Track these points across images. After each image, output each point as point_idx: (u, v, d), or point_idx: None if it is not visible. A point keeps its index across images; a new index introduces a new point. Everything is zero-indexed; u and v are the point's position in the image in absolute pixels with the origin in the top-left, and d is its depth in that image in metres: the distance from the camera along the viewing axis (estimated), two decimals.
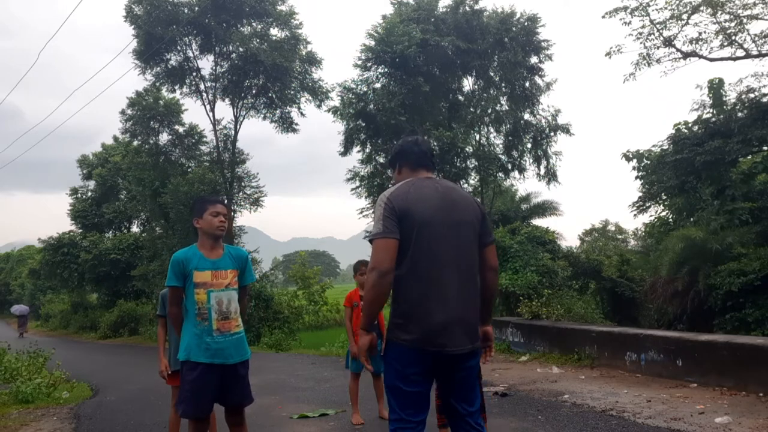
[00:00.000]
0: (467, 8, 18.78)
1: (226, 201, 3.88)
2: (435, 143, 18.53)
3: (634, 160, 19.12)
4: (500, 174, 20.11)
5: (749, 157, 15.49)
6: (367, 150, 19.62)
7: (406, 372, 2.65)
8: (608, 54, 15.66)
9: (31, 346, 11.56)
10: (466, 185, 20.11)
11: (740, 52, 14.81)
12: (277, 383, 8.58)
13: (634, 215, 21.00)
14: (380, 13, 19.93)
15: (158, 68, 19.89)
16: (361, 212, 19.33)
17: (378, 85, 18.81)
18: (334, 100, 19.73)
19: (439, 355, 2.64)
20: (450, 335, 2.63)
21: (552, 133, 19.52)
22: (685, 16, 14.62)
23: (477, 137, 19.71)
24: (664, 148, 16.25)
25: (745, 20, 14.36)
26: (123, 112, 21.11)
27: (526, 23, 18.67)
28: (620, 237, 33.65)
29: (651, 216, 21.18)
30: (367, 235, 2.84)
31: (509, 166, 19.91)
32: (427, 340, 2.62)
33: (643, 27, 15.17)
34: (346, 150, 19.39)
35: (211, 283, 3.59)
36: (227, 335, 3.59)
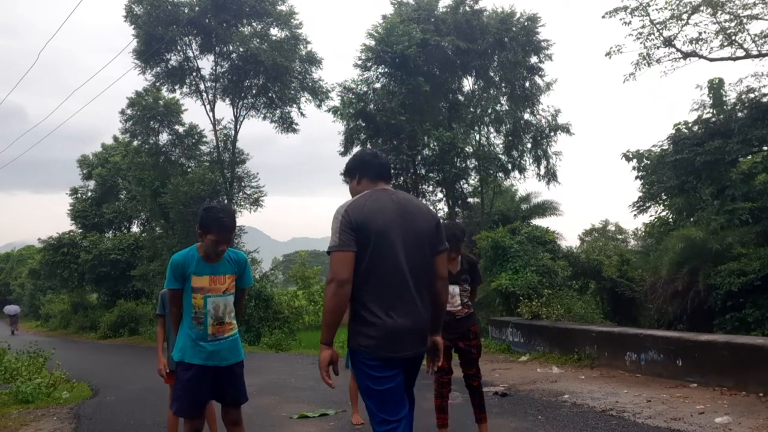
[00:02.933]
0: (467, 8, 18.79)
1: (233, 222, 3.77)
2: (435, 143, 18.55)
3: (634, 160, 19.14)
4: (500, 174, 20.11)
5: (749, 157, 15.48)
6: None
7: (372, 373, 2.72)
8: (608, 54, 15.65)
9: (31, 346, 11.54)
10: (466, 185, 20.14)
11: (740, 52, 14.80)
12: (277, 383, 8.58)
13: (634, 215, 21.01)
14: (380, 13, 19.97)
15: (158, 68, 19.89)
16: None
17: (378, 85, 18.82)
18: (334, 100, 19.76)
19: (395, 358, 2.74)
20: (404, 341, 2.75)
21: (552, 133, 19.54)
22: (685, 16, 14.61)
23: (477, 137, 19.73)
24: (664, 148, 16.25)
25: (745, 20, 14.36)
26: (123, 112, 21.13)
27: (526, 23, 18.69)
28: (620, 237, 33.60)
29: (651, 216, 21.18)
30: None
31: (509, 166, 19.93)
32: (383, 345, 2.71)
33: (643, 27, 15.16)
34: (346, 150, 19.40)
35: (209, 288, 3.58)
36: (222, 339, 3.60)
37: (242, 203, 20.63)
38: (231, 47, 19.52)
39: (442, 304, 3.02)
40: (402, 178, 19.66)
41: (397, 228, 2.81)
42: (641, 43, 15.34)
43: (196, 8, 18.96)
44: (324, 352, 2.76)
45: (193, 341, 3.54)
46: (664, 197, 19.17)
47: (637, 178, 19.19)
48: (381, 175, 3.01)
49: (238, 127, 20.59)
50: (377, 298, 2.74)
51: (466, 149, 18.94)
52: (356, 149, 19.39)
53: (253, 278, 4.28)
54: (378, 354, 2.71)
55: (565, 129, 19.55)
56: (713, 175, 15.13)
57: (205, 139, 22.18)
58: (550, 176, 19.62)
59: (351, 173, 3.08)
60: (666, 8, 14.70)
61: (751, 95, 14.52)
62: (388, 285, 2.76)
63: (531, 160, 19.76)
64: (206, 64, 31.12)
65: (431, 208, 3.14)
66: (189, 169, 21.52)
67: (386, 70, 18.39)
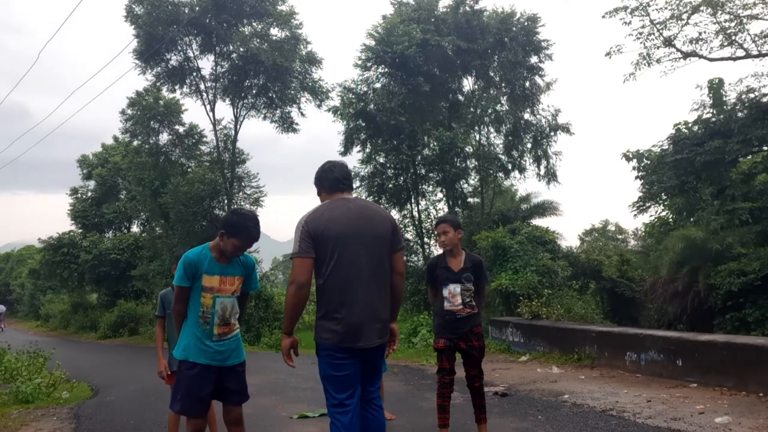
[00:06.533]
0: (467, 8, 18.77)
1: (259, 233, 3.83)
2: (435, 143, 18.54)
3: (634, 160, 19.14)
4: (500, 174, 20.10)
5: (749, 157, 15.47)
6: (368, 150, 19.62)
7: (334, 362, 3.14)
8: (608, 54, 15.64)
9: (31, 346, 11.55)
10: (465, 185, 20.13)
11: (740, 52, 14.80)
12: (277, 383, 8.58)
13: (634, 215, 21.03)
14: (380, 13, 19.97)
15: (158, 68, 19.89)
16: None
17: (378, 85, 18.82)
18: (334, 100, 19.76)
19: (353, 349, 3.14)
20: (362, 333, 3.14)
21: (552, 133, 19.52)
22: (685, 16, 14.60)
23: (477, 137, 19.72)
24: (664, 148, 16.24)
25: (745, 20, 14.34)
26: (123, 112, 21.14)
27: (526, 23, 18.67)
28: (620, 237, 33.58)
29: (651, 216, 21.19)
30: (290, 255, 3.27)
31: (509, 166, 19.91)
32: (343, 338, 3.11)
33: (643, 27, 15.16)
34: (346, 150, 19.39)
35: (219, 289, 3.60)
36: (226, 340, 3.62)
37: (242, 203, 20.65)
38: (231, 47, 19.52)
39: (399, 295, 3.42)
40: (402, 178, 19.66)
41: (354, 232, 3.17)
42: (641, 43, 15.34)
43: (197, 8, 18.95)
44: (286, 341, 3.24)
45: (198, 340, 3.56)
46: (664, 197, 19.17)
47: (637, 178, 19.20)
48: (336, 187, 3.38)
49: (238, 127, 20.61)
50: (339, 296, 3.12)
51: (466, 149, 18.93)
52: (356, 149, 19.54)
53: (259, 284, 4.30)
54: (341, 345, 3.11)
55: (565, 129, 19.54)
56: (713, 175, 15.12)
57: (205, 139, 22.20)
58: (550, 176, 19.60)
59: (316, 187, 3.51)
60: (666, 8, 14.70)
61: (751, 95, 14.50)
62: (348, 283, 3.13)
63: (531, 160, 19.74)
64: (206, 64, 31.15)
65: (388, 212, 3.65)
66: (189, 169, 21.52)
67: (386, 70, 18.38)
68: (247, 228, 3.54)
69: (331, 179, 3.39)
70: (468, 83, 20.07)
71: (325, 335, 3.14)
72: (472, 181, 20.15)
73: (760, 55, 14.50)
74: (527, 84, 19.31)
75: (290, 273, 3.18)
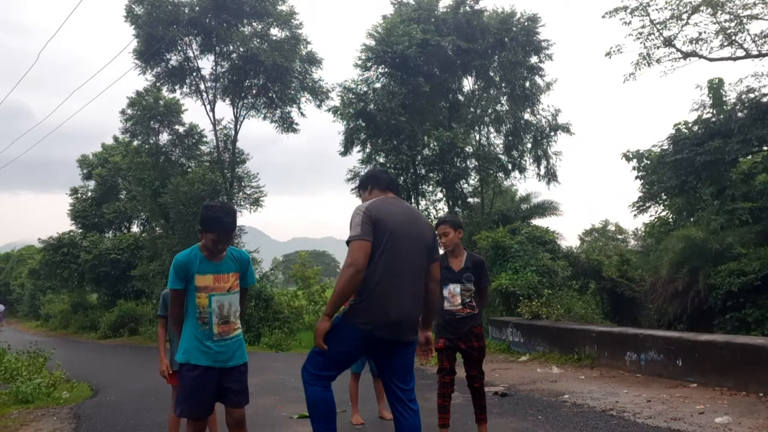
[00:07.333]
0: (467, 8, 18.80)
1: (234, 222, 3.71)
2: (435, 143, 18.55)
3: (634, 160, 19.14)
4: (500, 174, 20.12)
5: (749, 157, 15.48)
6: (368, 150, 19.62)
7: (348, 343, 3.19)
8: (608, 54, 15.65)
9: (31, 346, 11.54)
10: (466, 185, 20.15)
11: (740, 52, 14.80)
12: (277, 383, 8.58)
13: (634, 215, 21.04)
14: (380, 13, 19.99)
15: (158, 68, 19.91)
16: None
17: (378, 85, 18.83)
18: (334, 100, 19.77)
19: (384, 340, 3.21)
20: (398, 327, 3.21)
21: (552, 133, 19.54)
22: (685, 16, 14.61)
23: (477, 137, 19.74)
24: (664, 148, 16.25)
25: (745, 20, 14.35)
26: (123, 112, 21.16)
27: (526, 23, 18.69)
28: (620, 237, 33.60)
29: (651, 216, 21.20)
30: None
31: (509, 166, 19.94)
32: (379, 327, 3.16)
33: (643, 27, 15.17)
34: (346, 150, 19.40)
35: (213, 287, 3.56)
36: (227, 339, 3.59)
37: (242, 203, 20.67)
38: (231, 47, 19.53)
39: (434, 302, 3.55)
40: (402, 178, 19.66)
41: (406, 230, 3.29)
42: (641, 43, 15.35)
43: (197, 8, 18.96)
44: (324, 323, 3.20)
45: (199, 341, 3.52)
46: (664, 197, 19.18)
47: (637, 178, 19.21)
48: (389, 186, 3.57)
49: (238, 127, 20.64)
50: (383, 287, 3.16)
51: (466, 149, 18.95)
52: (356, 149, 19.55)
53: (255, 278, 4.26)
54: (369, 332, 3.15)
55: (565, 129, 19.57)
56: (713, 175, 15.12)
57: (205, 139, 22.22)
58: (550, 176, 19.63)
59: (364, 186, 3.64)
60: (666, 8, 14.71)
61: (751, 95, 14.50)
62: (392, 277, 3.18)
63: (531, 160, 19.77)
64: (206, 64, 31.17)
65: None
66: (189, 169, 21.53)
67: (386, 70, 18.40)
68: (218, 219, 3.48)
69: (386, 179, 3.61)
70: (468, 83, 20.11)
71: (359, 320, 3.16)
72: (472, 181, 20.18)
73: (760, 55, 14.50)
74: (527, 84, 19.34)
75: (348, 256, 3.17)
